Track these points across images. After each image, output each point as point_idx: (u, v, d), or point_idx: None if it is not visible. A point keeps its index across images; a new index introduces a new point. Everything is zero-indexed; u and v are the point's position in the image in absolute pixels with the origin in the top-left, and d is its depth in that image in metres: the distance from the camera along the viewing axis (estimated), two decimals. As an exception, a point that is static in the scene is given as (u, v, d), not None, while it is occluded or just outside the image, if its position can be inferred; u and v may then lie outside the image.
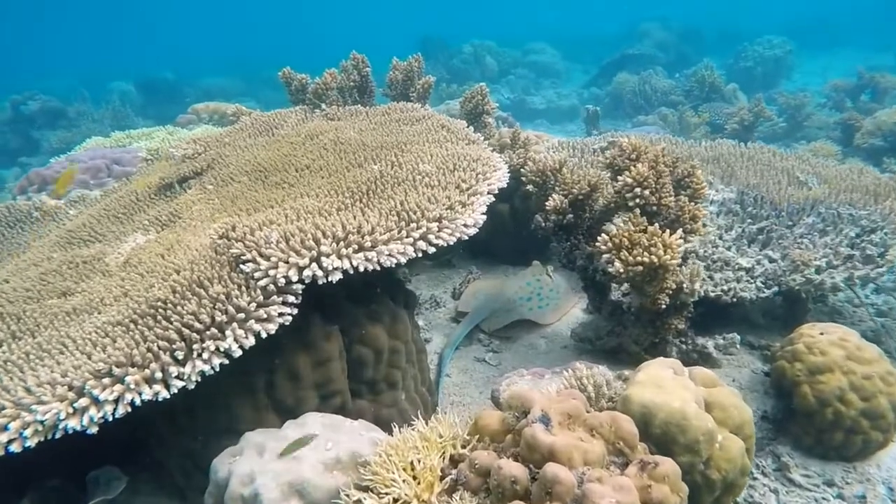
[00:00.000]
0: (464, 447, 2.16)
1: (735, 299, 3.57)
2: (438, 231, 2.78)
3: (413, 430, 2.26)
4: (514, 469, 1.87)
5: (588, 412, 2.15)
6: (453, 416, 2.24)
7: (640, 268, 2.86)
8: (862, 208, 4.26)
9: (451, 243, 2.79)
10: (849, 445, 3.19)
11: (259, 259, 2.53)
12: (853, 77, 11.10)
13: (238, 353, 2.35)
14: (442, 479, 2.01)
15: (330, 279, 2.51)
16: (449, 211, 2.91)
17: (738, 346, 3.50)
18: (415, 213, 2.79)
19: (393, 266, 2.63)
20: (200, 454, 2.67)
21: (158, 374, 2.25)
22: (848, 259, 3.83)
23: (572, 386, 2.64)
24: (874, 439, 3.18)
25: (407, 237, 2.69)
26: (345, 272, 2.54)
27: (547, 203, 3.64)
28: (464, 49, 19.48)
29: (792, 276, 3.72)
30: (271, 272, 2.47)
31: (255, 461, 2.28)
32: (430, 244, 2.74)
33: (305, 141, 4.24)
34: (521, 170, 4.18)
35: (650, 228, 2.92)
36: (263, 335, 2.42)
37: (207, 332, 2.34)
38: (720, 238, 4.21)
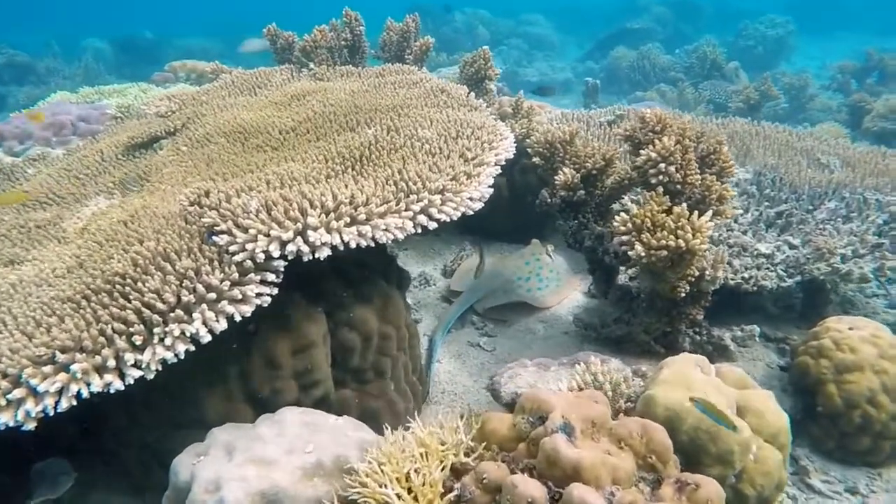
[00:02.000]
0: (467, 455, 1.87)
1: (756, 288, 3.29)
2: (441, 204, 2.45)
3: (409, 432, 1.95)
4: (531, 489, 1.58)
5: (614, 419, 1.85)
6: (457, 419, 1.94)
7: (665, 252, 2.56)
8: (889, 194, 3.99)
9: (455, 218, 2.47)
10: (876, 451, 2.95)
11: (235, 231, 2.18)
12: (859, 59, 10.82)
13: (207, 338, 2.02)
14: (443, 494, 1.72)
15: (317, 256, 2.17)
16: (453, 182, 2.57)
17: (757, 338, 3.24)
18: (415, 183, 2.45)
19: (389, 242, 2.30)
20: (162, 448, 2.35)
21: (111, 363, 1.91)
22: (876, 248, 3.57)
23: (586, 383, 2.35)
24: (904, 445, 2.95)
25: (406, 210, 2.35)
26: (334, 248, 2.21)
27: (556, 177, 3.32)
28: (456, 17, 18.87)
29: (816, 264, 3.44)
30: (249, 246, 2.13)
31: (223, 464, 1.96)
32: (432, 219, 2.41)
33: (291, 101, 3.86)
34: (526, 141, 3.84)
35: (676, 209, 2.61)
36: (237, 318, 2.09)
37: (172, 314, 2.00)
38: (735, 221, 3.92)
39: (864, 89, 9.54)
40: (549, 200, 3.52)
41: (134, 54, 16.32)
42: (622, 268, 3.52)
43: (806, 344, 3.21)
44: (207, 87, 4.48)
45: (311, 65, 4.44)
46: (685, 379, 2.22)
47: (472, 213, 2.55)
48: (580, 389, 2.38)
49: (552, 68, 15.84)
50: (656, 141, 2.81)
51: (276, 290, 2.18)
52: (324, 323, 2.53)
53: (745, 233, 3.83)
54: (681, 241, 2.51)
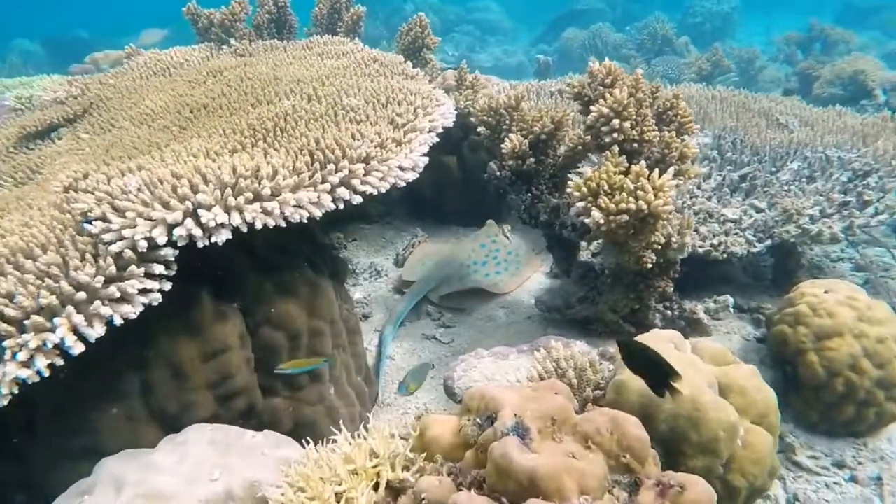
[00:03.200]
0: (406, 468, 1.53)
1: (725, 255, 3.03)
2: (365, 175, 2.10)
3: (336, 446, 1.61)
4: (478, 509, 1.24)
5: (578, 413, 1.54)
6: (389, 425, 1.59)
7: (625, 217, 2.26)
8: (850, 150, 3.79)
9: (383, 191, 2.12)
10: (860, 420, 2.73)
11: (111, 215, 1.79)
12: (802, 30, 10.81)
13: (77, 349, 1.63)
14: (374, 522, 1.37)
15: (214, 240, 1.80)
16: (379, 150, 2.22)
17: (731, 309, 2.98)
18: (333, 151, 2.09)
19: (304, 221, 1.94)
20: (53, 485, 1.95)
21: (-53, 388, 1.51)
22: (843, 206, 3.35)
23: (547, 371, 2.03)
24: (888, 411, 2.72)
25: (322, 183, 1.99)
26: (236, 231, 1.84)
27: (503, 146, 3.00)
28: (405, 7, 18.45)
29: (785, 227, 3.21)
30: (127, 233, 1.74)
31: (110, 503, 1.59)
32: (355, 192, 2.06)
33: (207, 79, 3.45)
34: (471, 109, 3.51)
35: (635, 168, 2.31)
36: (118, 321, 1.71)
37: (28, 322, 1.60)
38: (698, 188, 3.67)
39: (809, 59, 9.51)
40: (498, 173, 3.21)
41: (66, 54, 15.38)
42: (583, 242, 3.23)
43: (782, 312, 2.97)
44: (116, 70, 4.03)
45: (233, 41, 4.02)
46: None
47: (403, 184, 2.21)
48: (541, 379, 2.06)
49: (505, 53, 15.57)
50: (607, 94, 2.51)
51: (167, 286, 1.80)
52: (240, 322, 2.16)
53: (709, 199, 3.58)
54: (641, 202, 2.21)
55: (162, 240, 1.75)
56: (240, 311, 2.17)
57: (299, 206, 1.90)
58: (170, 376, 2.04)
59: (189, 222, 1.76)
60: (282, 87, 2.95)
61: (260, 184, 1.86)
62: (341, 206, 2.03)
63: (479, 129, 3.19)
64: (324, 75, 3.08)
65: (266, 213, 1.85)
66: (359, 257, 4.50)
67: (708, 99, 4.61)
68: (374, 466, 1.46)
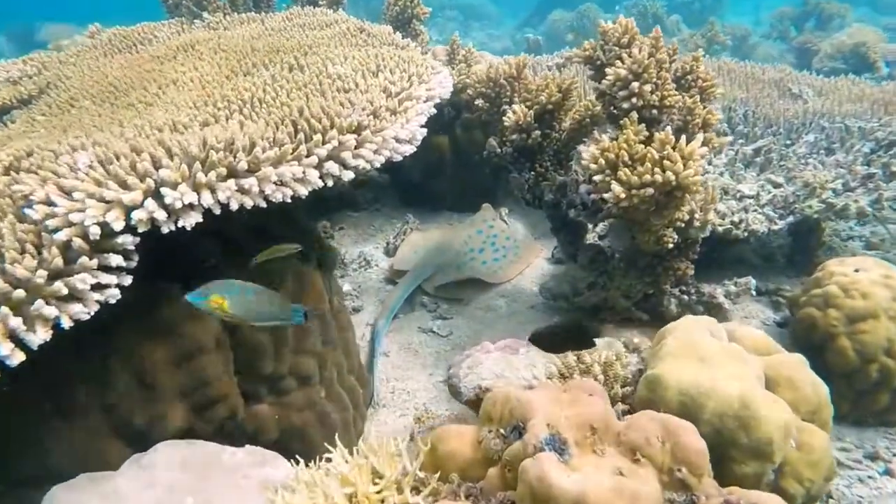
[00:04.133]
0: (416, 490, 1.28)
1: (746, 233, 2.80)
2: (357, 147, 1.83)
3: (331, 466, 1.35)
4: (513, 548, 0.99)
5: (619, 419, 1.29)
6: (395, 441, 1.34)
7: (650, 191, 2.01)
8: (871, 120, 3.57)
9: (377, 165, 1.85)
10: (894, 409, 2.53)
11: (56, 197, 1.51)
12: (796, 5, 10.61)
13: (15, 359, 1.35)
14: (381, 561, 1.12)
15: (182, 224, 1.53)
16: (372, 119, 1.95)
17: (753, 292, 2.75)
18: (320, 121, 1.82)
19: (288, 201, 1.67)
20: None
21: None
22: (868, 178, 3.14)
23: (569, 367, 1.79)
24: (925, 399, 2.53)
25: (308, 156, 1.72)
26: (209, 214, 1.57)
27: (505, 118, 2.73)
28: (387, -8, 18.03)
29: (807, 201, 2.98)
30: (76, 217, 1.46)
31: (60, 541, 1.32)
32: (346, 166, 1.79)
33: (178, 54, 3.14)
34: (467, 81, 3.24)
35: (660, 136, 2.06)
36: (67, 323, 1.43)
37: (-47, 328, 1.32)
38: (709, 164, 3.43)
39: (803, 34, 9.32)
40: (498, 150, 2.94)
41: (34, 47, 14.87)
42: (590, 225, 2.98)
43: (808, 294, 2.75)
44: (77, 49, 3.70)
45: (206, 14, 3.71)
46: (696, 348, 1.68)
47: (400, 157, 1.94)
48: (562, 377, 1.82)
49: (490, 37, 15.21)
50: (624, 55, 2.25)
51: (127, 280, 1.52)
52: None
53: (721, 174, 3.35)
54: (669, 173, 1.96)
55: (118, 225, 1.47)
56: (216, 308, 1.90)
57: (282, 184, 1.63)
58: (136, 385, 1.77)
59: (150, 203, 1.48)
60: (260, 58, 2.67)
61: (235, 157, 1.58)
62: (330, 183, 1.76)
63: (477, 101, 2.93)
64: (307, 45, 2.79)
65: (242, 191, 1.58)
66: (346, 247, 4.22)
67: (714, 71, 4.36)
68: (379, 492, 1.20)
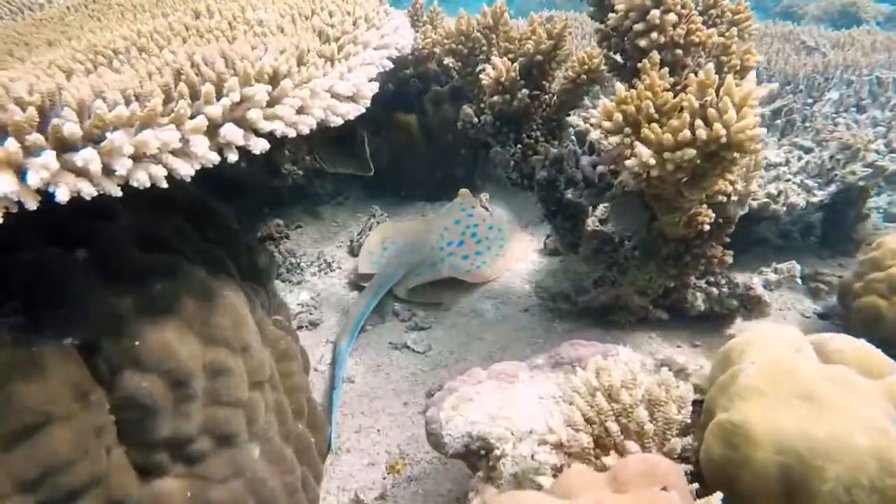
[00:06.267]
0: None
1: (785, 207, 2.27)
2: (271, 105, 1.23)
3: None
4: None
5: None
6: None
7: (691, 152, 1.45)
8: (905, 70, 3.08)
9: (304, 131, 1.26)
10: None
11: None
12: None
13: None
14: None
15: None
16: (301, 69, 1.35)
17: (798, 280, 2.22)
18: (213, 66, 1.22)
19: (163, 186, 1.07)
20: None
21: None
22: (918, 136, 2.63)
23: (600, 412, 1.22)
24: None
25: (193, 117, 1.12)
26: (49, 214, 0.97)
27: (482, 76, 2.15)
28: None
29: (849, 166, 2.46)
30: None
31: None
32: (255, 132, 1.20)
33: (66, 15, 2.51)
34: (433, 37, 2.65)
35: (696, 78, 1.50)
36: None
37: None
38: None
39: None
40: (475, 120, 2.37)
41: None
42: (590, 208, 2.41)
43: (865, 279, 2.23)
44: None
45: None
46: (792, 378, 1.13)
47: (339, 120, 1.35)
48: (588, 424, 1.25)
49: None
50: (641, -21, 1.68)
51: None
52: (77, 368, 1.28)
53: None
54: (718, 126, 1.40)
55: None
56: (77, 350, 1.30)
57: (145, 159, 1.03)
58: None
59: None
60: (161, 8, 2.05)
61: (63, 126, 0.98)
62: (232, 158, 1.17)
63: (447, 60, 2.35)
64: (222, -7, 2.18)
65: (75, 172, 0.97)
66: (304, 247, 3.61)
67: (712, 27, 3.83)
68: None
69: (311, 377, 2.34)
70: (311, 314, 2.95)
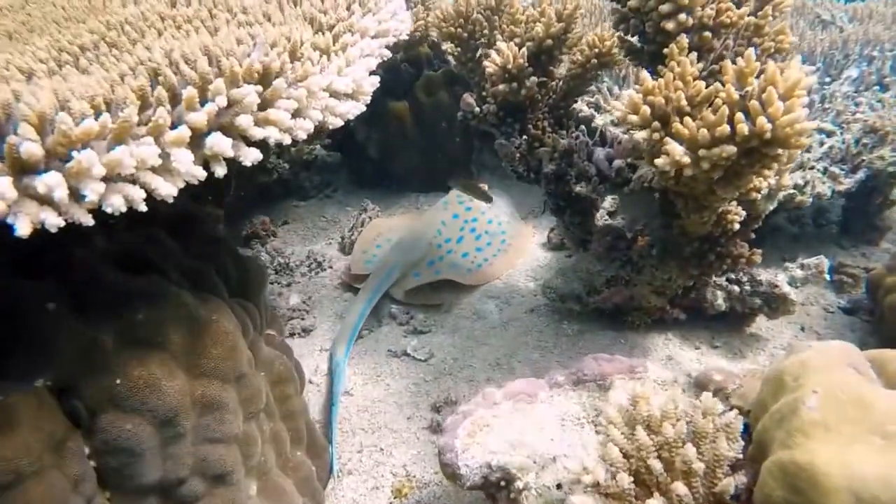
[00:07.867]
0: None
1: (811, 198, 2.15)
2: (263, 108, 1.07)
3: None
4: None
5: None
6: None
7: (730, 149, 1.31)
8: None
9: (301, 137, 1.10)
10: None
11: None
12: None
13: None
14: None
15: None
16: (294, 65, 1.18)
17: (827, 276, 2.10)
18: (194, 65, 1.05)
19: (142, 209, 0.91)
20: None
21: None
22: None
23: (639, 447, 1.09)
24: None
25: (172, 129, 0.95)
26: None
27: (487, 63, 1.99)
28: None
29: (878, 151, 2.34)
30: None
31: None
32: (246, 141, 1.03)
33: (27, 4, 2.29)
34: (428, 20, 2.48)
35: (733, 67, 1.36)
36: None
37: None
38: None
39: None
40: (477, 110, 2.21)
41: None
42: (609, 199, 2.26)
43: None
44: None
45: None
46: (863, 410, 1.00)
47: (340, 122, 1.19)
48: (626, 459, 1.12)
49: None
50: (668, -46, 1.53)
51: None
52: (50, 412, 1.12)
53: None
54: (762, 119, 1.26)
55: None
56: (50, 392, 1.14)
57: (120, 180, 0.87)
58: None
59: None
60: (130, -4, 1.85)
61: (22, 146, 0.81)
62: (220, 172, 1.00)
63: (445, 45, 2.18)
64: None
65: (37, 199, 0.81)
66: (293, 245, 3.44)
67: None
68: None
69: (306, 390, 2.19)
70: (303, 319, 2.79)
